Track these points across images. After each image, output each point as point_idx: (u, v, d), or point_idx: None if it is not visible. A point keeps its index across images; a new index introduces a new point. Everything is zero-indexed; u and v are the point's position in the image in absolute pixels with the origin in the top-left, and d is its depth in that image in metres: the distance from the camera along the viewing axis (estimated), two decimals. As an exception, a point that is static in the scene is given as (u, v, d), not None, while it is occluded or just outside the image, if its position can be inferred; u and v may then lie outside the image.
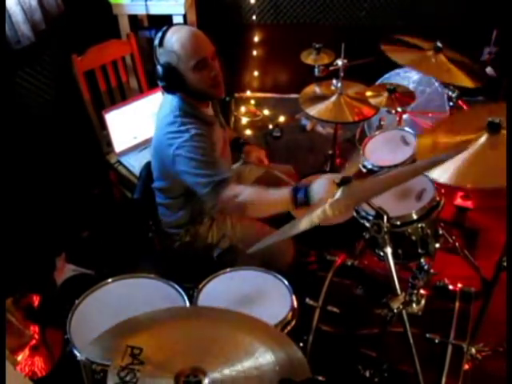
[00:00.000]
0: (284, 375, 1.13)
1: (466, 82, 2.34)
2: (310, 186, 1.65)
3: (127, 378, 1.07)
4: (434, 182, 1.98)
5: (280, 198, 1.72)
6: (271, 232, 2.00)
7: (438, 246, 1.94)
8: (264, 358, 1.16)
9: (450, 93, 2.83)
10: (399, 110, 2.52)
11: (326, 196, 1.56)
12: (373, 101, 2.48)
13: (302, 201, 1.65)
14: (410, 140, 2.30)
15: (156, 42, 1.80)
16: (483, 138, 1.60)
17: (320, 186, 1.62)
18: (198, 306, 1.65)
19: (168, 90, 1.86)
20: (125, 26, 2.97)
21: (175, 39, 1.77)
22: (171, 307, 1.54)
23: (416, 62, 2.31)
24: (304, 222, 1.42)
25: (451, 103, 2.85)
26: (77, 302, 1.65)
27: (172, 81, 1.81)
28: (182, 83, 1.81)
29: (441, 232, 2.03)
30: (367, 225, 1.87)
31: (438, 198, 1.92)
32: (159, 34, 1.79)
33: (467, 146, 1.58)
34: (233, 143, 2.26)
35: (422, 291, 1.72)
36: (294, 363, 1.18)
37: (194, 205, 2.00)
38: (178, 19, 2.95)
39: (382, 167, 2.20)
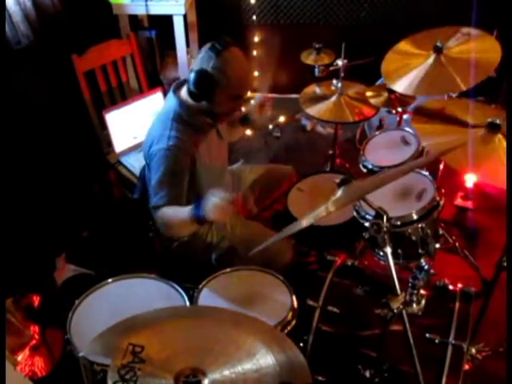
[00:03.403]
0: (284, 379, 1.13)
1: (488, 68, 1.97)
2: (204, 203, 1.71)
3: (127, 377, 1.07)
4: (434, 182, 1.99)
5: (185, 217, 1.78)
6: (269, 233, 2.02)
7: (438, 246, 1.94)
8: (265, 360, 1.16)
9: (451, 93, 2.83)
10: (399, 110, 2.52)
11: (219, 214, 1.67)
12: (373, 101, 2.48)
13: (201, 218, 1.72)
14: (410, 140, 2.30)
15: (213, 51, 1.77)
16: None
17: (210, 203, 1.68)
18: (199, 305, 1.65)
19: (192, 95, 1.86)
20: (125, 25, 2.97)
21: (234, 65, 1.79)
22: (173, 306, 1.54)
23: (424, 86, 2.03)
24: (306, 221, 1.42)
25: (451, 103, 2.84)
26: (77, 302, 1.65)
27: (203, 92, 1.82)
28: (209, 98, 1.83)
29: (441, 232, 2.03)
30: (367, 225, 1.87)
31: (438, 198, 1.92)
32: (219, 46, 1.76)
33: (463, 143, 1.59)
34: (242, 120, 2.26)
35: (422, 291, 1.72)
36: (295, 367, 1.17)
37: (189, 202, 2.00)
38: (178, 19, 2.95)
39: (382, 167, 2.20)
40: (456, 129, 1.68)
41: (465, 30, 2.17)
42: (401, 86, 2.10)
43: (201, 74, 1.79)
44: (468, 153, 1.57)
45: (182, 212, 1.80)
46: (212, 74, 1.78)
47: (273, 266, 1.88)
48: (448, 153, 1.53)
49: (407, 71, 2.12)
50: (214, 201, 1.68)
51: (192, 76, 1.81)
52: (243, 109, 2.18)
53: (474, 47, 2.07)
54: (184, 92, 1.92)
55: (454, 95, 2.78)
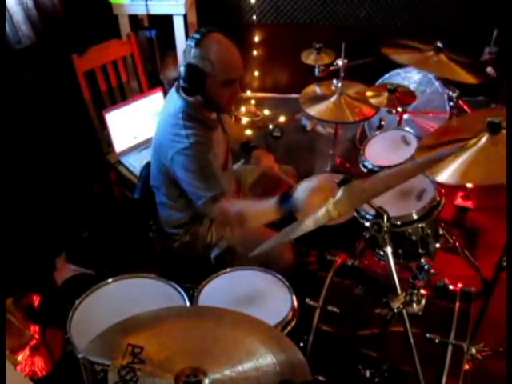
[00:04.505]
0: (284, 377, 1.13)
1: (468, 79, 2.36)
2: (294, 195, 1.67)
3: (127, 377, 1.07)
4: (434, 181, 1.99)
5: (267, 208, 1.73)
6: (270, 234, 2.00)
7: (438, 245, 1.94)
8: (264, 359, 1.16)
9: (451, 93, 2.83)
10: (400, 110, 2.52)
11: (310, 205, 1.60)
12: (373, 101, 2.48)
13: (288, 210, 1.67)
14: (410, 140, 2.30)
15: (192, 42, 1.77)
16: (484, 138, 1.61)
17: (302, 194, 1.64)
18: (199, 305, 1.65)
19: (185, 90, 1.85)
20: (125, 25, 2.97)
21: (216, 49, 1.77)
22: (172, 306, 1.54)
23: (417, 62, 2.35)
24: (308, 223, 1.41)
25: (451, 103, 2.85)
26: (77, 301, 1.65)
27: (194, 84, 1.81)
28: (202, 89, 1.82)
29: (441, 232, 2.03)
30: (367, 224, 1.87)
31: (438, 198, 1.92)
32: (197, 35, 1.76)
33: (467, 145, 1.58)
34: (242, 146, 2.30)
35: (422, 291, 1.72)
36: (295, 365, 1.17)
37: (193, 205, 1.99)
38: (178, 19, 2.95)
39: (382, 167, 2.20)
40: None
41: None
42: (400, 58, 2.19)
43: (188, 68, 1.78)
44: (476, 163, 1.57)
45: (262, 204, 1.77)
46: (197, 64, 1.77)
47: (273, 266, 1.88)
48: (450, 156, 1.52)
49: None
50: (306, 190, 1.64)
51: (181, 72, 1.80)
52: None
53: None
54: None
55: (454, 95, 2.80)
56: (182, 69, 1.80)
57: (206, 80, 1.79)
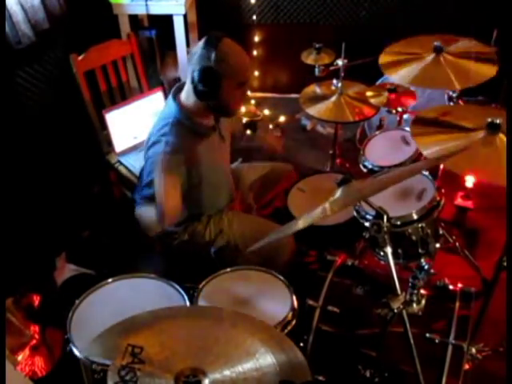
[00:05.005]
0: (284, 377, 1.13)
1: (486, 73, 2.06)
2: None
3: (127, 377, 1.07)
4: (434, 181, 1.99)
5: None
6: (268, 226, 2.04)
7: (438, 245, 1.94)
8: (264, 359, 1.17)
9: (451, 92, 2.83)
10: (400, 109, 2.52)
11: None
12: (373, 101, 2.48)
13: None
14: (410, 140, 2.30)
15: (208, 46, 1.80)
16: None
17: None
18: (199, 305, 1.65)
19: (200, 94, 1.85)
20: (125, 25, 2.97)
21: (232, 53, 1.82)
22: (172, 306, 1.54)
23: (419, 78, 2.12)
24: (303, 220, 1.42)
25: (451, 103, 2.84)
26: (77, 301, 1.65)
27: (211, 87, 1.82)
28: (216, 92, 1.84)
29: (441, 232, 2.03)
30: (367, 225, 1.87)
31: (438, 198, 1.92)
32: (213, 40, 1.80)
33: (465, 148, 1.59)
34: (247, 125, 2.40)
35: (422, 291, 1.72)
36: (295, 366, 1.17)
37: (190, 202, 2.00)
38: (178, 19, 2.95)
39: (382, 167, 2.20)
40: (456, 135, 1.68)
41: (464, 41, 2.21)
42: (398, 75, 2.14)
43: (205, 71, 1.80)
44: (469, 156, 1.57)
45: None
46: (215, 67, 1.80)
47: (274, 262, 1.88)
48: (449, 158, 1.53)
49: (406, 64, 2.15)
50: None
51: (196, 75, 1.81)
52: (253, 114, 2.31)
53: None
54: (184, 96, 1.93)
55: (454, 95, 2.80)
56: (196, 73, 1.81)
57: (223, 82, 1.82)
